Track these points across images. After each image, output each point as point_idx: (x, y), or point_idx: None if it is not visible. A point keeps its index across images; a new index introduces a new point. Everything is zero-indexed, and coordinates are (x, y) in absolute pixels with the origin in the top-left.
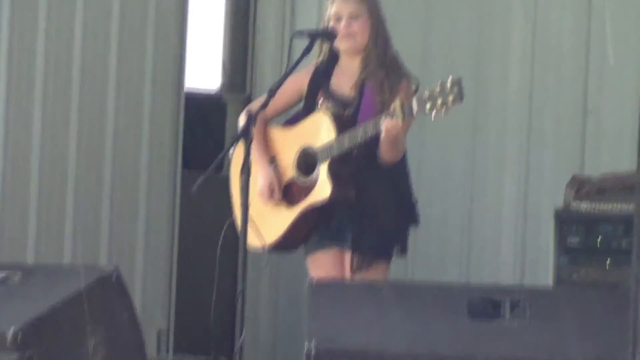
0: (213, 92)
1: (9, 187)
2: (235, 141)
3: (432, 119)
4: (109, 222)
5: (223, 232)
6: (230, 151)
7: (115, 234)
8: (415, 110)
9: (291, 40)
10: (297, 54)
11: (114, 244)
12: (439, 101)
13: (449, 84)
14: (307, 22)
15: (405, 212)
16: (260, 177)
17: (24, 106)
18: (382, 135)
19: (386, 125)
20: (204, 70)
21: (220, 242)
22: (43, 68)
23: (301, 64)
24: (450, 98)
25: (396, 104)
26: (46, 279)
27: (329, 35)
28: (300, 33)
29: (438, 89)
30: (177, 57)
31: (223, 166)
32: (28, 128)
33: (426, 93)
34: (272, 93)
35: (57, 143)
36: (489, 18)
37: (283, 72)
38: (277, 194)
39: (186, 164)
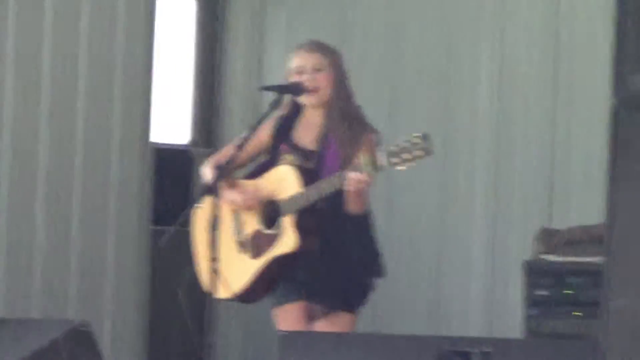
0: (181, 147)
1: None
2: (202, 194)
3: (399, 170)
4: (79, 276)
5: (183, 277)
6: (198, 206)
7: (84, 288)
8: (381, 165)
9: (258, 94)
10: (264, 108)
11: (83, 298)
12: (406, 155)
13: (417, 139)
14: (275, 76)
15: (368, 265)
16: (234, 201)
17: None
18: (348, 188)
19: (352, 179)
20: (173, 125)
21: (180, 291)
22: (10, 124)
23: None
24: (418, 153)
25: (361, 158)
26: (15, 333)
27: (297, 89)
28: (268, 87)
29: (406, 143)
30: (144, 112)
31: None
32: None
33: (393, 147)
34: (239, 147)
35: (24, 200)
36: (456, 66)
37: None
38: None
39: (154, 219)
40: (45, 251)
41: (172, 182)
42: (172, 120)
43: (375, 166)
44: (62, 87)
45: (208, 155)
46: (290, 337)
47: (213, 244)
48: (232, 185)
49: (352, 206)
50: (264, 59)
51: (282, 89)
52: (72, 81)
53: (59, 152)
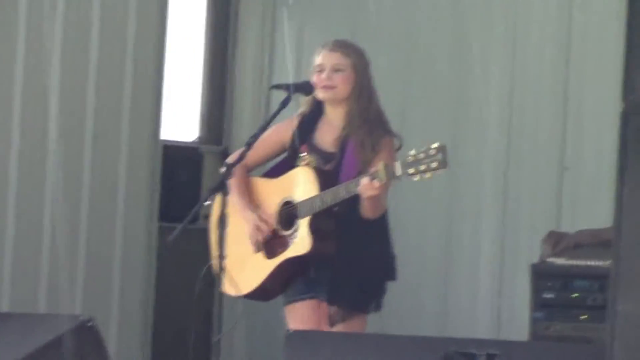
0: (190, 144)
1: None
2: (211, 193)
3: (415, 181)
4: (85, 271)
5: (201, 275)
6: (207, 202)
7: (91, 284)
8: (398, 174)
9: (268, 93)
10: (274, 107)
11: (90, 294)
12: (422, 167)
13: (433, 151)
14: (285, 75)
15: (383, 267)
16: (245, 223)
17: (3, 154)
18: (360, 193)
19: (368, 186)
20: (182, 122)
21: (197, 289)
22: (20, 120)
23: (279, 117)
24: (434, 165)
25: (379, 166)
26: (21, 328)
27: (306, 88)
28: (278, 86)
29: (422, 155)
30: (154, 109)
31: (198, 218)
32: (4, 178)
33: (410, 158)
34: (248, 146)
35: (33, 195)
36: (467, 71)
37: (260, 124)
38: (266, 233)
39: (162, 216)
40: (53, 246)
41: (181, 179)
42: (181, 118)
43: (390, 175)
44: (72, 84)
45: (217, 152)
46: (296, 336)
47: (221, 241)
48: (246, 185)
49: (367, 212)
50: (274, 58)
51: (292, 88)
52: (82, 77)
53: (68, 148)
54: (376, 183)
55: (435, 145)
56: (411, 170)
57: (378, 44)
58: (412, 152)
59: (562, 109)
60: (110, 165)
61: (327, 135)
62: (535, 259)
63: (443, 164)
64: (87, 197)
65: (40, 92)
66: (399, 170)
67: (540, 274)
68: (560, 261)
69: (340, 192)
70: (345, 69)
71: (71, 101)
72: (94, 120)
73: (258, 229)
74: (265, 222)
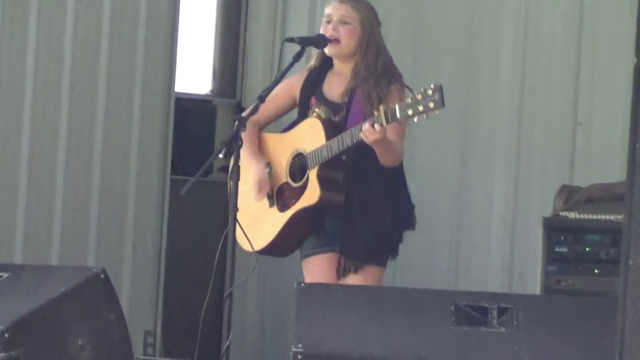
0: (203, 97)
1: None
2: (224, 146)
3: (416, 122)
4: (98, 224)
5: (222, 238)
6: (220, 155)
7: (103, 236)
8: (397, 116)
9: (282, 46)
10: (287, 60)
11: (102, 246)
12: (420, 107)
13: (430, 91)
14: (298, 28)
15: (400, 218)
16: (250, 176)
17: (14, 107)
18: (363, 139)
19: (370, 130)
20: (195, 75)
21: (220, 247)
22: (33, 72)
23: (292, 70)
24: (431, 105)
25: (380, 110)
26: (34, 279)
27: (319, 41)
28: (291, 39)
29: (419, 96)
30: (168, 62)
31: (212, 170)
32: (18, 131)
33: (408, 99)
34: (262, 99)
35: (46, 146)
36: (479, 28)
37: (273, 78)
38: (266, 190)
39: (175, 169)
40: (65, 198)
41: (194, 132)
42: (194, 71)
43: (394, 117)
44: (86, 34)
45: (230, 106)
46: (306, 288)
47: (234, 194)
48: (256, 141)
49: (383, 159)
50: (288, 10)
51: (305, 41)
52: (95, 30)
53: (81, 100)
54: (377, 127)
55: (432, 86)
56: (410, 112)
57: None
58: (410, 94)
59: (575, 63)
60: (123, 117)
61: (335, 87)
62: (548, 213)
63: (439, 103)
64: (100, 149)
65: (53, 39)
66: (397, 112)
67: (553, 228)
68: (573, 215)
69: (346, 139)
70: (352, 22)
71: (84, 53)
72: (107, 73)
73: (260, 183)
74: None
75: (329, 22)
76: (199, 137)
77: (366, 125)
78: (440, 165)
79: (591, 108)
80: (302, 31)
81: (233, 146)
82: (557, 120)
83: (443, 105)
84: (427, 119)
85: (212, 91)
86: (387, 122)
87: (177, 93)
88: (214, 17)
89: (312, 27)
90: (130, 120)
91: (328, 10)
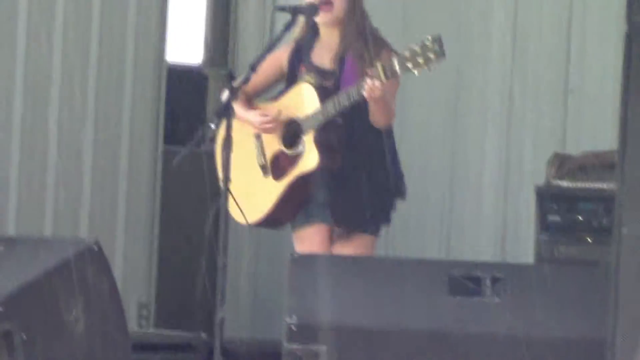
0: (195, 67)
1: None
2: (216, 115)
3: (416, 74)
4: (90, 195)
5: (215, 210)
6: (212, 126)
7: (96, 207)
8: (397, 70)
9: (273, 15)
10: (278, 29)
11: (95, 217)
12: (420, 59)
13: (428, 42)
14: None
15: (390, 185)
16: (253, 121)
17: (5, 80)
18: (367, 97)
19: (369, 86)
20: (186, 44)
21: (210, 218)
22: (24, 38)
23: (283, 39)
24: (432, 55)
25: (378, 66)
26: (27, 251)
27: (311, 10)
28: (282, 8)
29: (418, 48)
30: (159, 31)
31: (204, 141)
32: (9, 99)
33: (407, 52)
34: (253, 68)
35: (37, 116)
36: None
37: (265, 47)
38: (272, 122)
39: (167, 139)
40: (58, 170)
41: (186, 102)
42: (185, 40)
43: (393, 72)
44: (77, 6)
45: (222, 75)
46: (300, 260)
47: (226, 165)
48: (251, 108)
49: (377, 117)
50: None
51: (296, 10)
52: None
53: (71, 69)
54: (377, 82)
55: (430, 36)
56: (409, 65)
57: None
58: (408, 46)
59: (566, 30)
60: (115, 87)
61: (324, 54)
62: (541, 181)
63: (440, 53)
64: (92, 119)
65: (45, 12)
66: (396, 66)
67: (545, 196)
68: (565, 183)
69: (342, 99)
70: None
71: (75, 23)
72: (98, 43)
73: (263, 121)
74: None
75: None
76: (191, 107)
77: (368, 82)
78: (430, 132)
79: (582, 75)
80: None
81: (224, 115)
82: (549, 87)
83: (444, 55)
84: (429, 71)
85: (203, 60)
86: (387, 77)
87: (168, 63)
88: None
89: None
90: (122, 90)
91: None
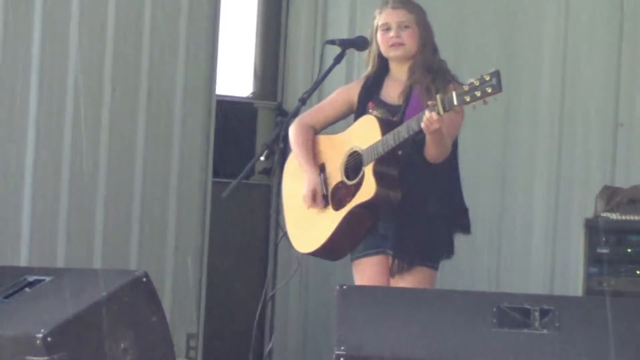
0: (244, 99)
1: (38, 192)
2: (266, 148)
3: (472, 108)
4: (140, 226)
5: (279, 240)
6: (262, 158)
7: (145, 239)
8: (454, 102)
9: (322, 48)
10: (328, 63)
11: (144, 249)
12: (478, 93)
13: (487, 77)
14: (339, 29)
15: (453, 219)
16: (304, 182)
17: (55, 110)
18: (424, 129)
19: (427, 118)
20: (236, 77)
21: (276, 249)
22: (74, 73)
23: (333, 73)
24: (489, 90)
25: (437, 98)
26: (76, 283)
27: (360, 43)
28: (332, 41)
29: (477, 82)
30: (209, 64)
31: (253, 173)
32: (59, 133)
33: (465, 87)
34: (303, 101)
35: (88, 148)
36: (519, 27)
37: (314, 80)
38: (319, 200)
39: (217, 172)
40: (108, 201)
41: (235, 135)
42: (235, 73)
43: (451, 104)
44: (127, 38)
45: (271, 108)
46: (348, 291)
47: (277, 196)
48: (311, 144)
49: (430, 151)
50: (328, 12)
51: (345, 43)
52: (137, 30)
53: (122, 103)
54: (434, 115)
55: (489, 71)
56: (467, 98)
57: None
58: (467, 82)
59: (616, 64)
60: (165, 120)
61: (392, 90)
62: (589, 214)
63: (497, 87)
64: (142, 152)
65: (95, 45)
66: (454, 99)
67: (595, 229)
68: (615, 216)
69: (402, 131)
70: (411, 25)
71: (125, 55)
72: (148, 76)
73: (313, 192)
74: (324, 185)
75: (388, 29)
76: (241, 140)
77: (427, 114)
78: (481, 165)
79: (632, 109)
80: (343, 32)
81: (275, 148)
82: (598, 121)
83: (501, 89)
84: (484, 104)
85: (253, 93)
86: (445, 109)
87: (218, 95)
88: (255, 18)
89: (353, 28)
90: (171, 122)
91: (383, 18)
